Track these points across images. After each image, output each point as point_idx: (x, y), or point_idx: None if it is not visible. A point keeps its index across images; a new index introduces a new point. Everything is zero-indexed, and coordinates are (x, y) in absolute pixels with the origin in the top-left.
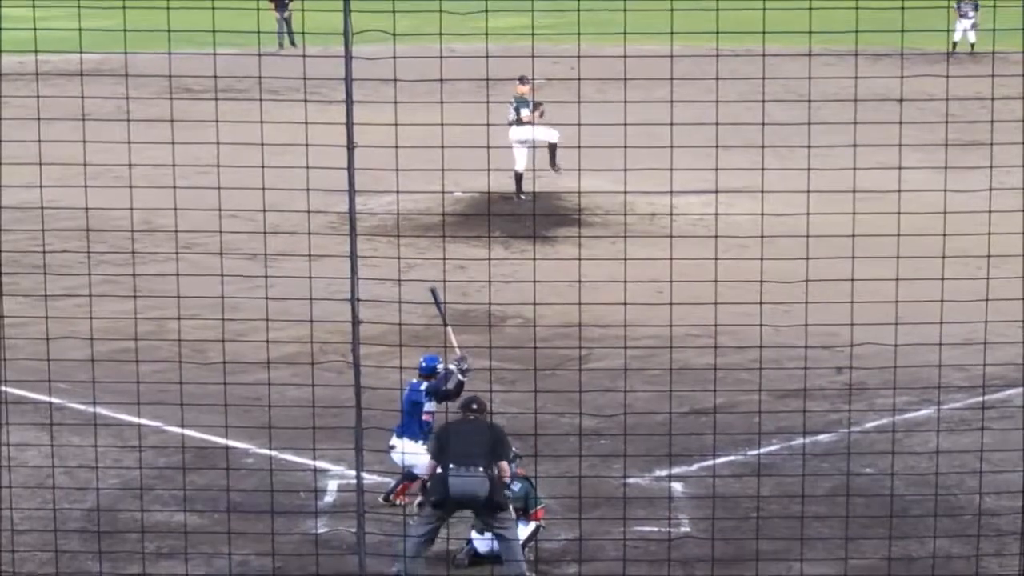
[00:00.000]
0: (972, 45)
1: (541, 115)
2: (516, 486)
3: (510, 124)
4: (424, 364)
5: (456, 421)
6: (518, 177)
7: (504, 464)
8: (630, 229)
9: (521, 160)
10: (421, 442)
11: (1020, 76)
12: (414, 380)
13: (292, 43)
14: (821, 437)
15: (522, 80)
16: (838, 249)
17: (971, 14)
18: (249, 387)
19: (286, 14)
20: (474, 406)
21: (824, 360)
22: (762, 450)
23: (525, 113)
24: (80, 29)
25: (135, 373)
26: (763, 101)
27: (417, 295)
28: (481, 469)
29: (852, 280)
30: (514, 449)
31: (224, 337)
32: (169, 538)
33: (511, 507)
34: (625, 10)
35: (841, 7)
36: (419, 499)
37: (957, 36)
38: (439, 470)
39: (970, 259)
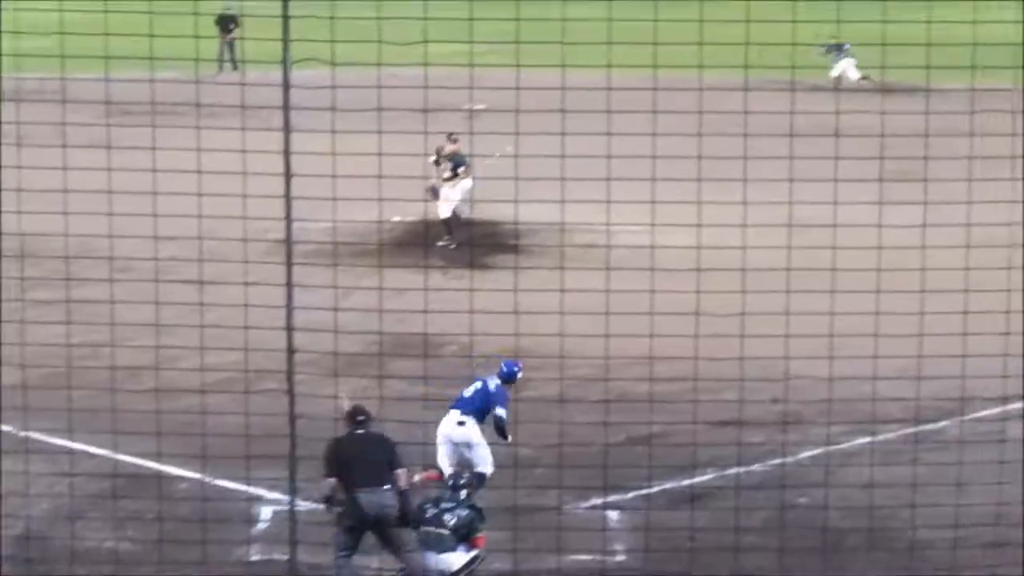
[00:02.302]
0: (864, 78)
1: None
2: (462, 512)
3: (446, 180)
4: (505, 369)
5: (349, 437)
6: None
7: (401, 472)
8: (569, 259)
9: (448, 209)
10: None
11: (955, 111)
12: (492, 382)
13: (235, 68)
14: (756, 467)
15: (451, 138)
16: (775, 281)
17: (844, 51)
18: (184, 414)
19: (230, 38)
20: (360, 418)
21: (760, 391)
22: (697, 480)
23: (461, 170)
24: (16, 54)
25: (68, 398)
26: (700, 135)
27: (355, 321)
28: (389, 487)
29: (787, 313)
30: (464, 477)
31: (158, 362)
32: (101, 565)
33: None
34: (563, 42)
35: (779, 44)
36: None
37: (836, 72)
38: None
39: (906, 293)
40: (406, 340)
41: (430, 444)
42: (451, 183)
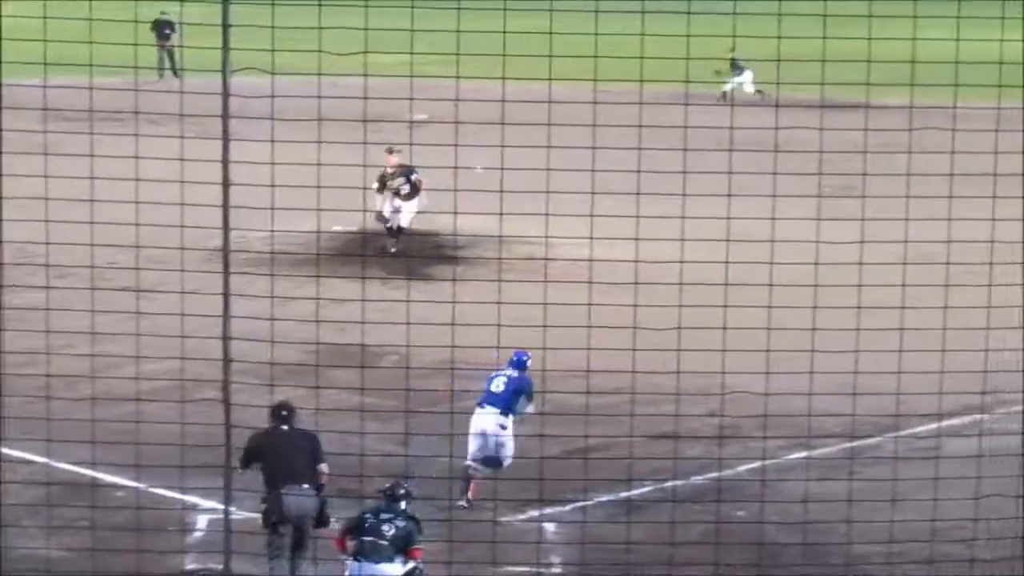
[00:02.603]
0: (726, 94)
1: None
2: (400, 523)
3: (405, 196)
4: (515, 359)
5: (271, 432)
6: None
7: (323, 467)
8: (509, 270)
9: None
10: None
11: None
12: (510, 371)
13: (175, 74)
14: (694, 480)
15: (390, 150)
16: (713, 295)
17: (742, 71)
18: (120, 422)
19: (168, 44)
20: (283, 412)
21: (698, 404)
22: (635, 492)
23: (413, 179)
24: None
25: (3, 405)
26: (639, 148)
27: (293, 330)
28: (309, 486)
29: (724, 328)
30: (403, 488)
31: (95, 370)
32: (35, 574)
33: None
34: (504, 54)
35: (721, 58)
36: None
37: (728, 86)
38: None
39: (843, 309)
40: (344, 350)
41: (368, 454)
42: (409, 197)
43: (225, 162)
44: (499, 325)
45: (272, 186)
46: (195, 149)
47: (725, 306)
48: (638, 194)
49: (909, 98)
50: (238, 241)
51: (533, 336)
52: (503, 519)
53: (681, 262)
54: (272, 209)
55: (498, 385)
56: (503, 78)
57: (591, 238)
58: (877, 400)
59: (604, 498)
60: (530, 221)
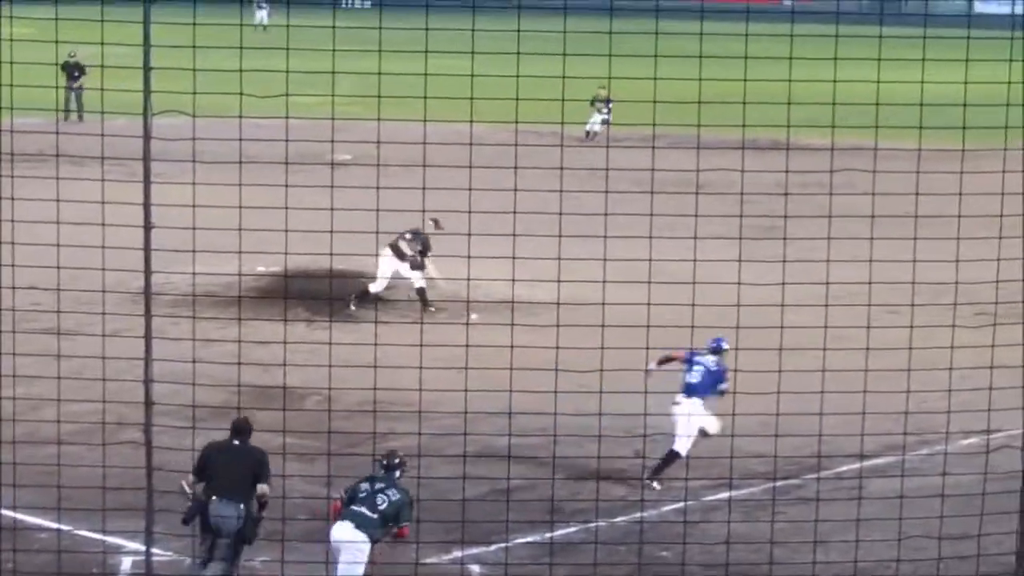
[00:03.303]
0: (589, 133)
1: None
2: (394, 495)
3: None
4: (713, 344)
5: (222, 444)
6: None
7: (263, 487)
8: (436, 312)
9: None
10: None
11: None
12: (708, 357)
13: (80, 117)
14: (619, 520)
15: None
16: (637, 336)
17: (604, 109)
18: (42, 464)
19: (75, 85)
20: (239, 429)
21: (623, 444)
22: (559, 533)
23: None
24: None
25: None
26: (561, 191)
27: (216, 371)
28: (238, 502)
29: (647, 369)
30: (397, 457)
31: (16, 413)
32: None
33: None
34: (425, 96)
35: (643, 101)
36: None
37: (588, 127)
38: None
39: (764, 351)
40: (268, 391)
41: (292, 496)
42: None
43: (147, 204)
44: (420, 368)
45: (193, 228)
46: (119, 191)
47: (647, 348)
48: (560, 236)
49: (831, 139)
50: (162, 283)
51: (455, 377)
52: (428, 560)
53: (603, 304)
54: (194, 252)
55: (695, 376)
56: (424, 120)
57: (512, 280)
58: (800, 440)
59: (528, 539)
60: (455, 262)
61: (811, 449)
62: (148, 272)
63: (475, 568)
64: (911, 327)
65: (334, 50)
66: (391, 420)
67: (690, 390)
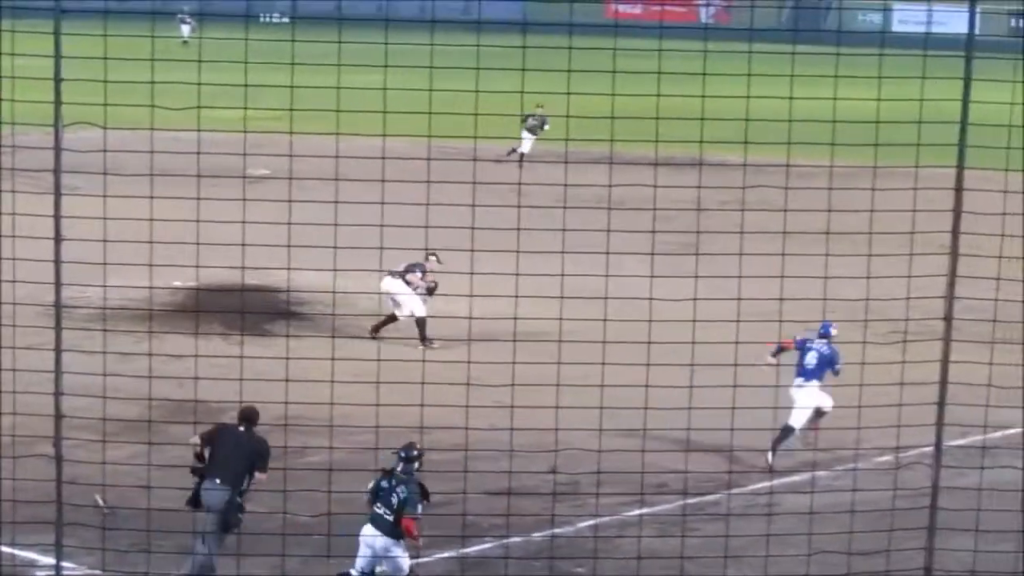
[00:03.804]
0: (515, 152)
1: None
2: (403, 491)
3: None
4: (823, 330)
5: (229, 428)
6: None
7: (260, 475)
8: (350, 326)
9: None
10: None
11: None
12: (819, 342)
13: None
14: (533, 536)
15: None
16: (551, 351)
17: (539, 130)
18: None
19: None
20: (244, 417)
21: (537, 460)
22: (473, 548)
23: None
24: None
25: None
26: (473, 205)
27: (130, 385)
28: (228, 485)
29: (558, 385)
30: (416, 449)
31: None
32: None
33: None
34: (338, 110)
35: (557, 115)
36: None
37: (524, 147)
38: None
39: (678, 366)
40: (182, 406)
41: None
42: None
43: (57, 216)
44: (332, 381)
45: (104, 241)
46: (31, 204)
47: (559, 363)
48: (472, 250)
49: (743, 155)
50: (76, 297)
51: (368, 392)
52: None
53: (515, 318)
54: (105, 264)
55: (811, 360)
56: (336, 133)
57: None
58: (715, 456)
59: (444, 554)
60: (366, 277)
61: (725, 465)
62: (58, 285)
63: None
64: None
65: (245, 63)
66: (305, 435)
67: (807, 374)
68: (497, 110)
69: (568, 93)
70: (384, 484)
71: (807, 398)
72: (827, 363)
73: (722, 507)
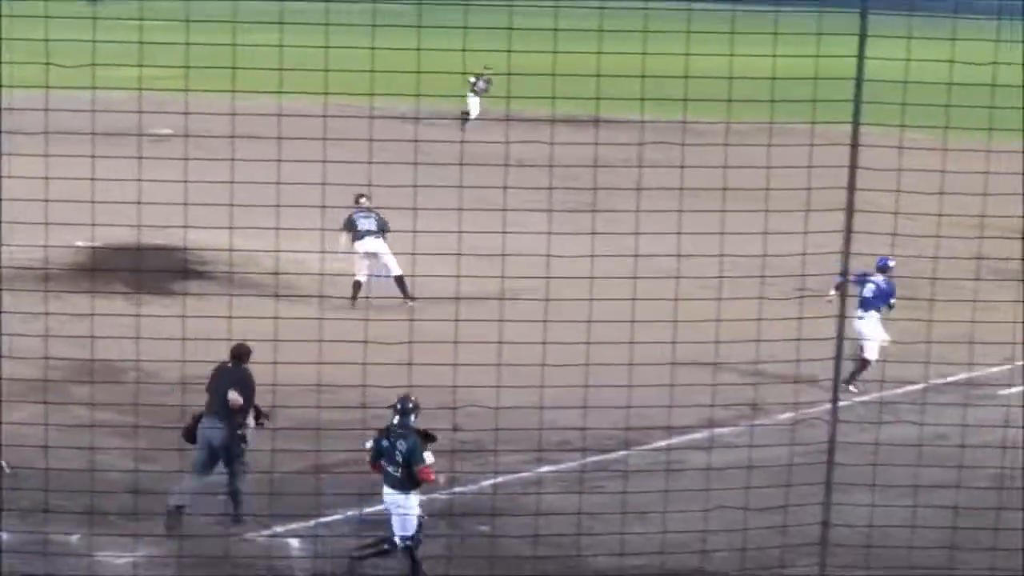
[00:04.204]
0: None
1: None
2: (404, 444)
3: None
4: (880, 263)
5: (222, 366)
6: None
7: (232, 397)
8: (255, 284)
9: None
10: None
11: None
12: (877, 276)
13: None
14: (437, 496)
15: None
16: (450, 309)
17: (483, 88)
18: None
19: None
20: (236, 354)
21: (439, 418)
22: (378, 507)
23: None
24: None
25: None
26: (370, 162)
27: (31, 345)
28: (222, 419)
29: (456, 342)
30: (411, 401)
31: None
32: None
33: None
34: (232, 67)
35: (449, 72)
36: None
37: (472, 110)
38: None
39: (574, 323)
40: (86, 366)
41: (110, 470)
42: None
43: None
44: (229, 340)
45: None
46: None
47: (456, 320)
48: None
49: (641, 113)
50: None
51: (268, 351)
52: (248, 535)
53: (413, 276)
54: (0, 223)
55: (868, 292)
56: (232, 91)
57: (323, 252)
58: (618, 414)
59: (349, 513)
60: (269, 236)
61: (631, 424)
62: None
63: (295, 542)
64: (719, 299)
65: (141, 20)
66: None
67: (866, 304)
68: (395, 67)
69: (464, 50)
70: (384, 443)
71: (870, 329)
72: (885, 295)
73: (625, 464)
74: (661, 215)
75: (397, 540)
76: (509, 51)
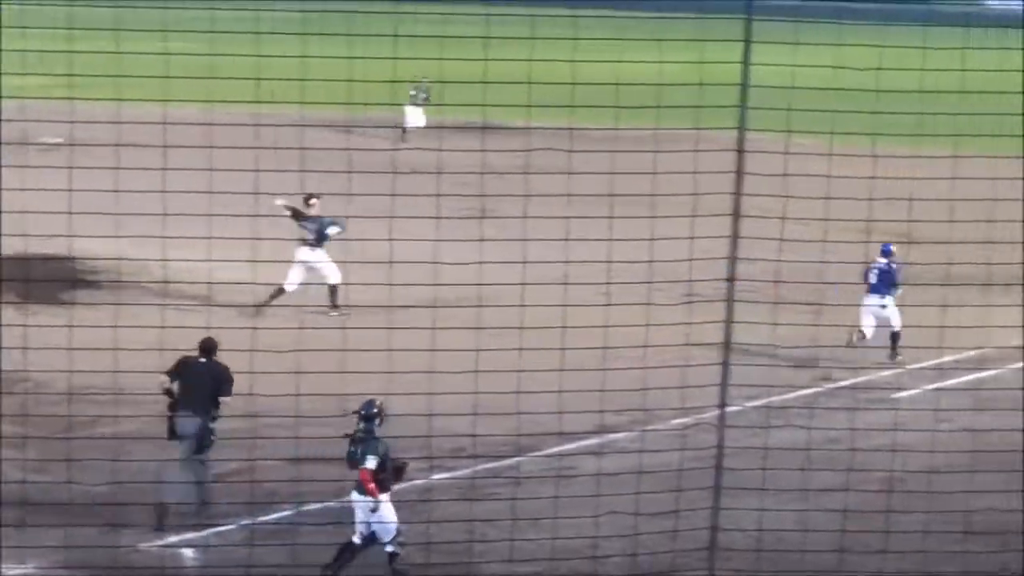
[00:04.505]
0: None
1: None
2: (365, 448)
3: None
4: (884, 248)
5: (191, 362)
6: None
7: (225, 399)
8: (146, 293)
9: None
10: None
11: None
12: (880, 260)
13: None
14: (332, 503)
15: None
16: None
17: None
18: None
19: None
20: (204, 348)
21: (338, 424)
22: (273, 516)
23: (334, 230)
24: None
25: None
26: (257, 170)
27: None
28: (196, 414)
29: (345, 350)
30: (375, 407)
31: None
32: None
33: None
34: (112, 75)
35: (333, 80)
36: None
37: (412, 120)
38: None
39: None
40: None
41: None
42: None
43: None
44: (116, 349)
45: None
46: None
47: (344, 328)
48: (256, 215)
49: (527, 119)
50: None
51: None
52: (142, 545)
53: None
54: None
55: (873, 276)
56: (119, 99)
57: (209, 260)
58: (511, 421)
59: (242, 522)
60: (161, 245)
61: (524, 430)
62: None
63: (189, 553)
64: (606, 306)
65: (24, 27)
66: (100, 405)
67: (874, 289)
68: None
69: (351, 58)
70: (352, 448)
71: (887, 312)
72: (890, 279)
73: (519, 471)
74: (552, 221)
75: (356, 539)
76: (394, 58)
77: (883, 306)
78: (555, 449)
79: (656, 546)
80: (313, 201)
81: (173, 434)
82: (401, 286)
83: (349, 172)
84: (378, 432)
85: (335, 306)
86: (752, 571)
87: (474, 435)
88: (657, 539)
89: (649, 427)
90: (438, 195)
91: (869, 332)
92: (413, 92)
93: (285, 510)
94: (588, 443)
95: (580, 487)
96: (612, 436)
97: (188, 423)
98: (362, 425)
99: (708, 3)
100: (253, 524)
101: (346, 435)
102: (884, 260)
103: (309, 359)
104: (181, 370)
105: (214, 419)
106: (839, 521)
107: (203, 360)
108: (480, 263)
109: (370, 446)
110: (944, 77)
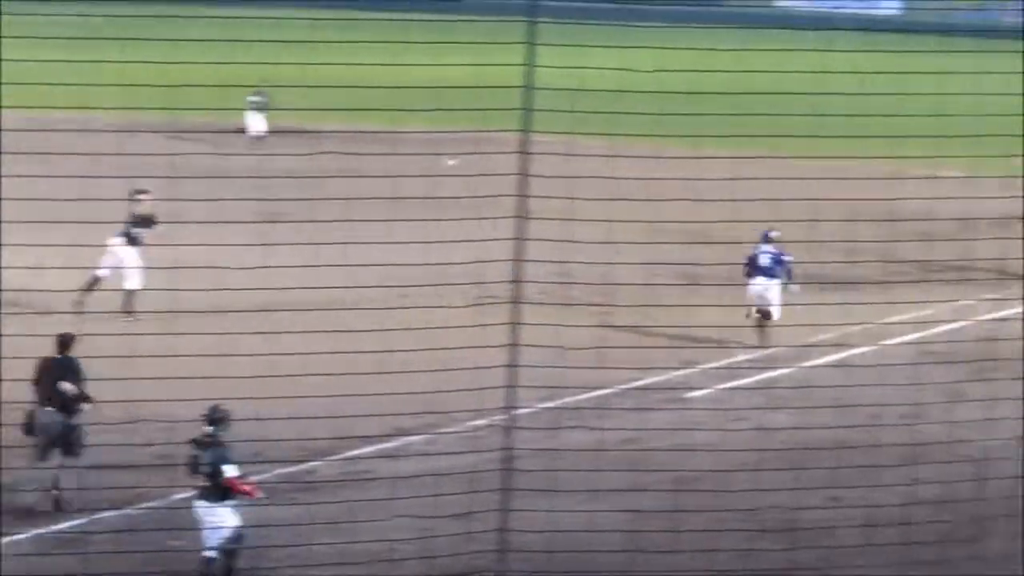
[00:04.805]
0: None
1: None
2: (209, 454)
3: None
4: (765, 235)
5: (48, 359)
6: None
7: (66, 387)
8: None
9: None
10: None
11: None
12: (767, 246)
13: None
14: (128, 511)
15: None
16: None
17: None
18: None
19: None
20: (60, 344)
21: (141, 432)
22: (67, 524)
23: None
24: None
25: None
26: (81, 176)
27: None
28: (56, 409)
29: (134, 356)
30: (219, 412)
31: None
32: None
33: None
34: None
35: (158, 85)
36: None
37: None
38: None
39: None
40: None
41: None
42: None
43: None
44: None
45: None
46: None
47: (139, 334)
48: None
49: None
50: None
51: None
52: None
53: (110, 290)
54: None
55: (765, 261)
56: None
57: (34, 268)
58: (310, 425)
59: (36, 531)
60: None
61: (320, 433)
62: None
63: None
64: (398, 308)
65: None
66: None
67: (765, 272)
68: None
69: (163, 63)
70: (195, 453)
71: (772, 294)
72: (779, 261)
73: (318, 475)
74: (339, 225)
75: (210, 554)
76: (171, 62)
77: (769, 288)
78: (352, 453)
79: (451, 548)
80: (141, 196)
81: (30, 430)
82: (185, 291)
83: (168, 178)
84: (222, 437)
85: (129, 312)
86: (543, 572)
87: (268, 440)
88: (451, 541)
89: (444, 430)
90: (221, 199)
91: (776, 312)
92: (253, 99)
93: (81, 518)
94: (385, 446)
95: (377, 490)
96: (408, 439)
97: (47, 419)
98: (210, 429)
99: (493, 4)
100: (48, 533)
101: (192, 440)
102: (770, 246)
103: (100, 365)
104: (38, 369)
105: (75, 414)
106: (631, 521)
107: (58, 356)
108: (266, 267)
109: (220, 453)
110: (724, 79)
